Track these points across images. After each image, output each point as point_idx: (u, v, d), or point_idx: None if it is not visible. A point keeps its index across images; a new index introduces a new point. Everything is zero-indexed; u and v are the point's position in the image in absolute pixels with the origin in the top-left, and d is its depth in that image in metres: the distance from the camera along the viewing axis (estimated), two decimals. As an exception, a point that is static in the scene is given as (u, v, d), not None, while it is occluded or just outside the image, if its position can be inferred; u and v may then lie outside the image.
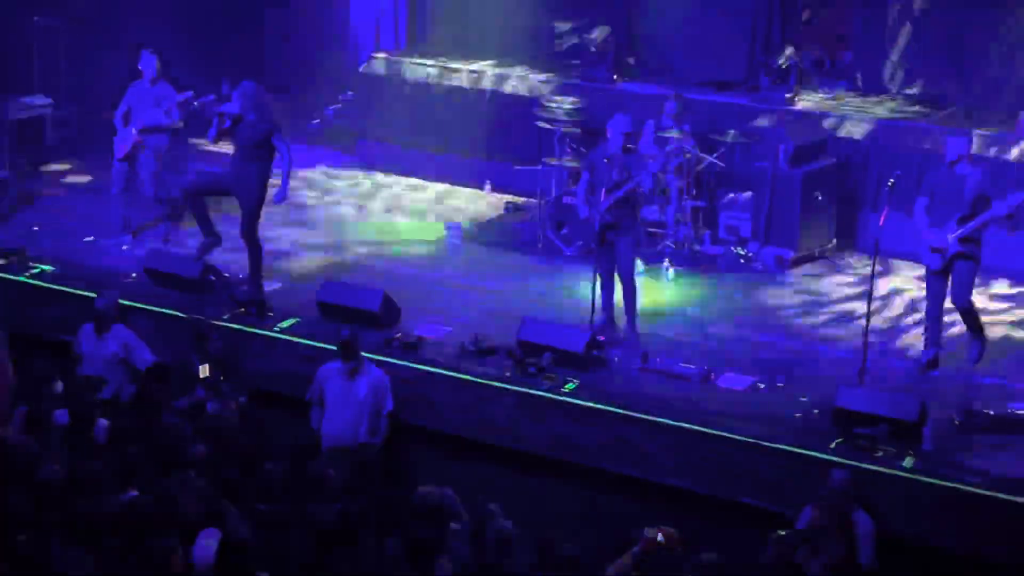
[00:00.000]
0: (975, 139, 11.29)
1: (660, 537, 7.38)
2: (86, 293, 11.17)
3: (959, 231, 10.09)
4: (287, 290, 11.67)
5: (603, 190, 10.60)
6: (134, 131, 12.37)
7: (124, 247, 12.54)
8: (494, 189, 14.68)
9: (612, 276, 10.76)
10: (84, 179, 14.58)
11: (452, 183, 15.04)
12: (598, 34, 14.50)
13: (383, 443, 9.77)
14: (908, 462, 8.92)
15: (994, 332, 10.99)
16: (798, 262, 12.67)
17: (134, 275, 11.77)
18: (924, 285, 10.68)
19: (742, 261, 12.74)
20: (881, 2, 14.17)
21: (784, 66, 13.62)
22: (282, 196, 11.36)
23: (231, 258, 11.88)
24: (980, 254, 10.23)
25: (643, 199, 11.42)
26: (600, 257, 10.75)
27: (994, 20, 13.53)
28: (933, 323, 10.47)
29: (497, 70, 15.00)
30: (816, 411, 9.58)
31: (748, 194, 13.03)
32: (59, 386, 9.15)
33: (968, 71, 13.67)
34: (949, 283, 10.26)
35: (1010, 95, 13.17)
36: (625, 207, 10.67)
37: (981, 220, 10.07)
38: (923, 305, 10.71)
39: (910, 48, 14.04)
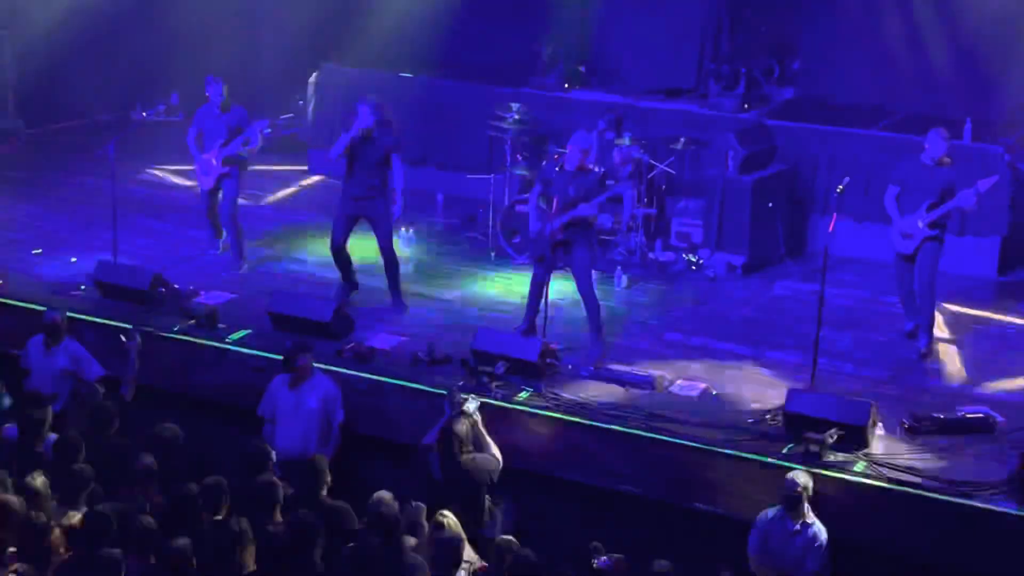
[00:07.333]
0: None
1: (608, 563, 7.38)
2: (34, 306, 11.07)
3: (929, 216, 10.57)
4: (239, 301, 11.61)
5: (556, 203, 10.44)
6: (214, 161, 12.20)
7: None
8: (446, 198, 14.66)
9: (542, 287, 10.66)
10: (31, 191, 14.48)
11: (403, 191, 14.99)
12: (548, 44, 14.54)
13: (335, 454, 9.72)
14: (859, 466, 8.98)
15: (940, 333, 11.20)
16: (749, 268, 12.74)
17: (83, 287, 11.68)
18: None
19: (693, 268, 12.80)
20: (829, 11, 14.29)
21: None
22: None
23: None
24: (944, 237, 10.76)
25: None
26: (541, 268, 10.72)
27: (940, 28, 13.66)
28: (906, 302, 11.04)
29: (447, 79, 14.99)
30: (768, 416, 9.63)
31: (699, 201, 13.10)
32: (7, 400, 9.06)
33: (914, 79, 13.79)
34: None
35: (956, 103, 13.28)
36: (579, 224, 10.62)
37: (949, 207, 10.58)
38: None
39: (857, 56, 14.15)
